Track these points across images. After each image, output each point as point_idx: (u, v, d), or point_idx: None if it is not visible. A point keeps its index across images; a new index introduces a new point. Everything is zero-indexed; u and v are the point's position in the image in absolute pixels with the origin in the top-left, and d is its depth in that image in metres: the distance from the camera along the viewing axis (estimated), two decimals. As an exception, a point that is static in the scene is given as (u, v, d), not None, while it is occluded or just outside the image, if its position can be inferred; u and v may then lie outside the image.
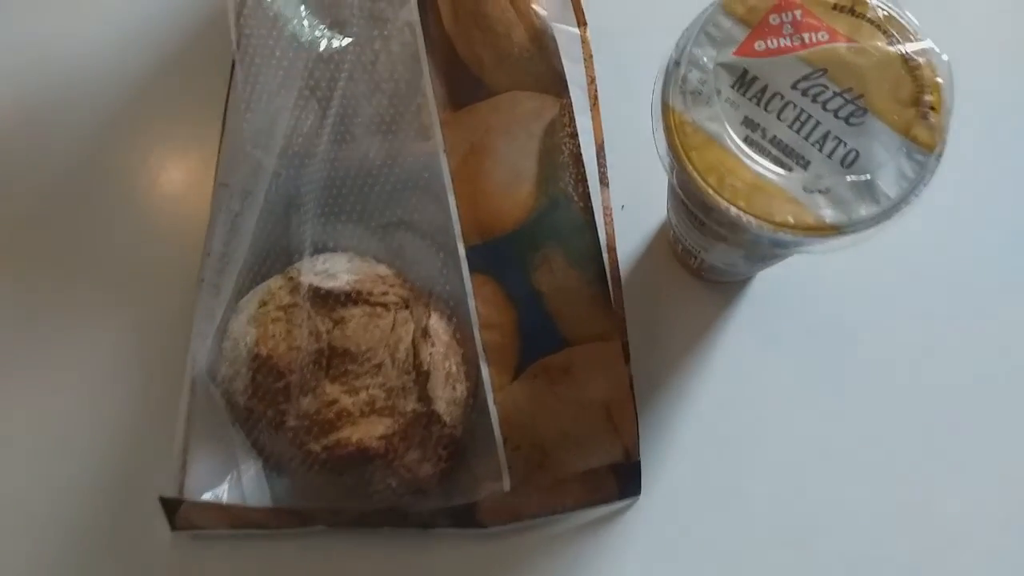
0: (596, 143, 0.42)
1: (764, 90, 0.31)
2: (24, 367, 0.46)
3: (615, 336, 0.40)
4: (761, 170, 0.30)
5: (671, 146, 0.30)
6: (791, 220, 0.29)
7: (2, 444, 0.45)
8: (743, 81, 0.31)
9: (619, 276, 0.41)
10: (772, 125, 0.30)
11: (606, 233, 0.41)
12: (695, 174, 0.30)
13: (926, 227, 0.45)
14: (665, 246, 0.46)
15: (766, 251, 0.34)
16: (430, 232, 0.44)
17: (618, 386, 0.40)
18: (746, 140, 0.30)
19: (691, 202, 0.32)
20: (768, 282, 0.45)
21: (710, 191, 0.30)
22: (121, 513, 0.44)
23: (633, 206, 0.46)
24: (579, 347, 0.40)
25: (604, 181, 0.42)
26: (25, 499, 0.44)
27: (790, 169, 0.30)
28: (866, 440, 0.43)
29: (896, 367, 0.44)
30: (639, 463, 0.40)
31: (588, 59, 0.44)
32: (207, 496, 0.41)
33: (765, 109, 0.30)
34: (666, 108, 0.31)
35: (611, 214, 0.41)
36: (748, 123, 0.30)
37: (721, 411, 0.44)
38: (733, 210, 0.29)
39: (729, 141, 0.30)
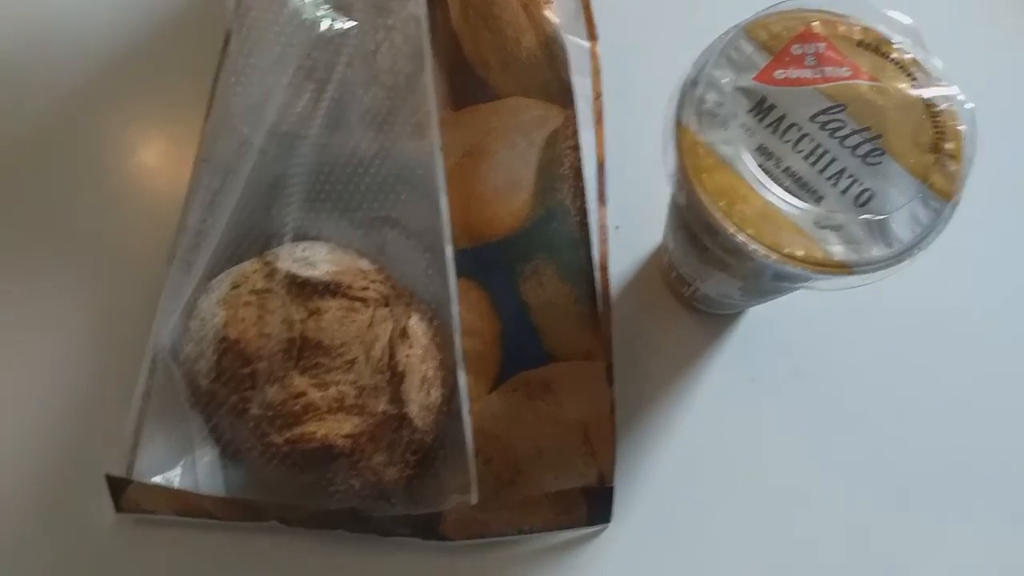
0: (598, 160, 0.41)
1: (782, 119, 0.30)
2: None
3: (600, 356, 0.38)
4: (773, 199, 0.29)
5: (681, 166, 0.29)
6: (800, 253, 0.28)
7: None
8: (761, 108, 0.30)
9: (609, 296, 0.40)
10: (787, 155, 0.29)
11: (600, 251, 0.40)
12: (705, 196, 0.29)
13: (929, 276, 0.44)
14: (656, 272, 0.45)
15: (765, 285, 0.33)
16: (416, 232, 0.43)
17: (599, 408, 0.38)
18: (759, 168, 0.29)
19: (696, 226, 0.31)
20: (758, 318, 0.44)
21: (719, 215, 0.29)
22: (63, 489, 0.42)
23: (627, 228, 0.45)
24: (563, 364, 0.39)
25: (602, 199, 0.41)
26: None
27: (803, 202, 0.29)
28: (843, 490, 0.42)
29: (882, 420, 0.43)
30: (612, 489, 0.39)
31: (596, 74, 0.43)
32: (157, 479, 0.39)
33: (781, 139, 0.30)
34: (680, 127, 0.30)
35: (606, 233, 0.40)
36: (763, 151, 0.29)
37: (699, 446, 0.43)
38: (741, 237, 0.28)
39: (742, 167, 0.29)
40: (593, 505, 0.40)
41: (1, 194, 0.47)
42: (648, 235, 0.45)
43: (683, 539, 0.41)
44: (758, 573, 0.41)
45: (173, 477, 0.39)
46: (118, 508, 0.40)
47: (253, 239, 0.41)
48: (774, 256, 0.28)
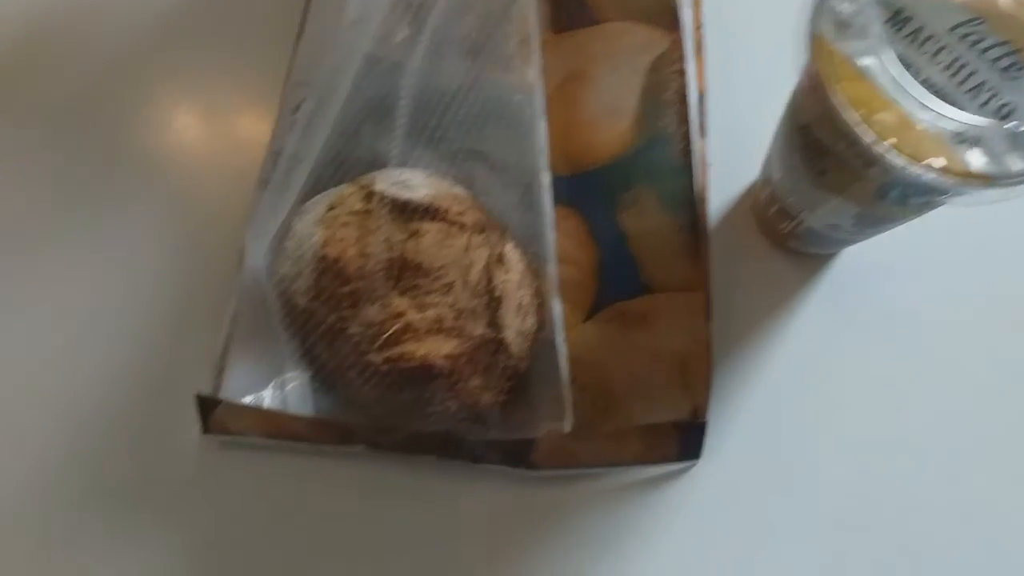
0: (698, 91, 0.40)
1: (919, 31, 0.29)
2: (67, 248, 0.44)
3: (699, 288, 0.38)
4: (911, 111, 0.28)
5: (816, 76, 0.29)
6: (940, 163, 0.27)
7: (41, 324, 0.42)
8: (897, 19, 0.29)
9: (707, 229, 0.39)
10: (926, 67, 0.29)
11: (699, 183, 0.39)
12: (843, 106, 0.28)
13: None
14: (748, 213, 0.44)
15: (885, 208, 0.33)
16: (504, 166, 0.42)
17: (696, 340, 0.38)
18: (897, 80, 0.28)
19: (827, 141, 0.30)
20: (852, 261, 0.44)
21: (858, 125, 0.28)
22: (150, 411, 0.42)
23: (719, 165, 0.44)
24: (660, 295, 0.38)
25: (703, 131, 0.40)
26: (53, 384, 0.42)
27: (941, 114, 0.28)
28: (935, 432, 0.41)
29: (976, 368, 0.42)
30: (705, 424, 0.39)
31: (697, 4, 0.42)
32: (248, 399, 0.39)
33: (919, 50, 0.29)
34: (815, 37, 0.29)
35: (706, 164, 0.39)
36: (901, 62, 0.29)
37: (789, 388, 0.42)
38: (882, 146, 0.27)
39: (880, 77, 0.28)
40: (684, 440, 0.39)
41: (86, 122, 0.46)
42: (740, 174, 0.44)
43: (771, 481, 0.41)
44: (843, 521, 0.40)
45: (263, 398, 0.39)
46: (205, 429, 0.39)
47: (348, 164, 0.40)
48: (916, 168, 0.27)
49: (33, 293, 0.43)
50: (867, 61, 0.28)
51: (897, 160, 0.27)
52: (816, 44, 0.29)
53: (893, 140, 0.28)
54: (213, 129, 0.46)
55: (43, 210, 0.45)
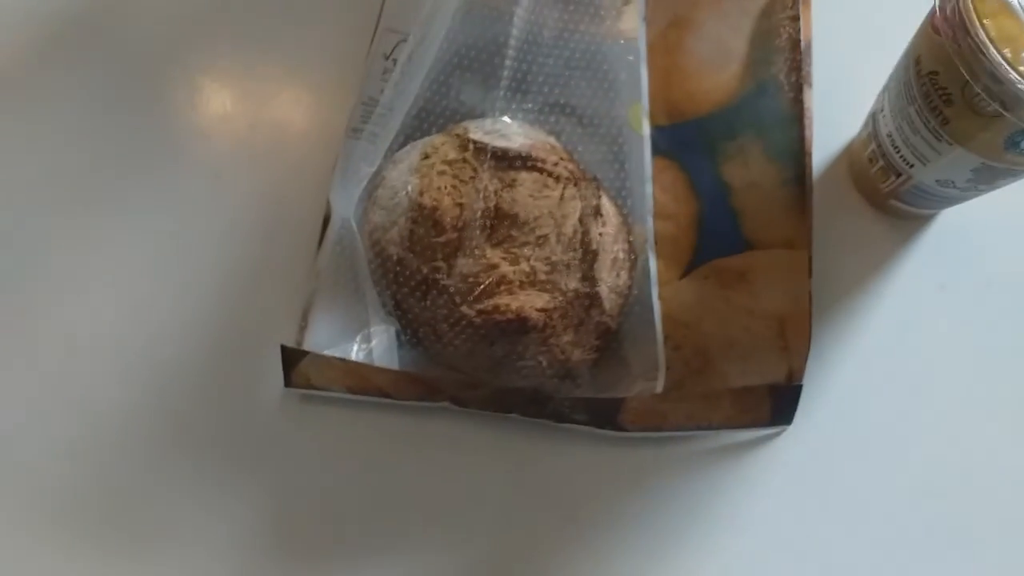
0: (804, 40, 0.38)
1: (1072, -33, 0.27)
2: (144, 200, 0.44)
3: (803, 246, 0.36)
4: (1061, 51, 0.26)
5: (963, 9, 0.27)
6: (1093, 107, 0.26)
7: (124, 278, 0.42)
8: (1046, -47, 0.27)
9: (812, 185, 0.38)
10: (1078, 5, 0.27)
11: (807, 136, 0.37)
12: (988, 42, 0.26)
13: None
14: (844, 169, 0.42)
15: (1012, 160, 0.31)
16: (593, 119, 0.41)
17: (797, 300, 0.37)
18: (1046, 17, 0.27)
19: (958, 83, 0.28)
20: (950, 225, 0.42)
21: (1003, 63, 0.26)
22: (234, 363, 0.41)
23: (818, 121, 0.42)
24: (760, 252, 0.37)
25: (808, 81, 0.38)
26: (136, 337, 0.41)
27: (1092, 55, 0.26)
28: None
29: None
30: (800, 388, 0.37)
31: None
32: (332, 352, 0.38)
33: (1073, -13, 0.27)
34: (960, -32, 0.27)
35: (811, 117, 0.38)
36: (1052, -2, 0.27)
37: (884, 354, 0.41)
38: (1028, 85, 0.26)
39: (1028, 13, 0.27)
40: (778, 404, 0.38)
41: (161, 75, 0.46)
42: (838, 130, 0.43)
43: (865, 447, 0.40)
44: (932, 492, 0.39)
45: (349, 350, 0.39)
46: (288, 382, 0.39)
47: (439, 114, 0.39)
48: (1064, 108, 0.26)
49: (115, 247, 0.43)
50: (1015, -4, 0.27)
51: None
52: (961, -25, 0.27)
53: (1042, 79, 0.26)
54: (293, 81, 0.46)
55: (131, 164, 0.44)
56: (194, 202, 0.44)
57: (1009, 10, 0.27)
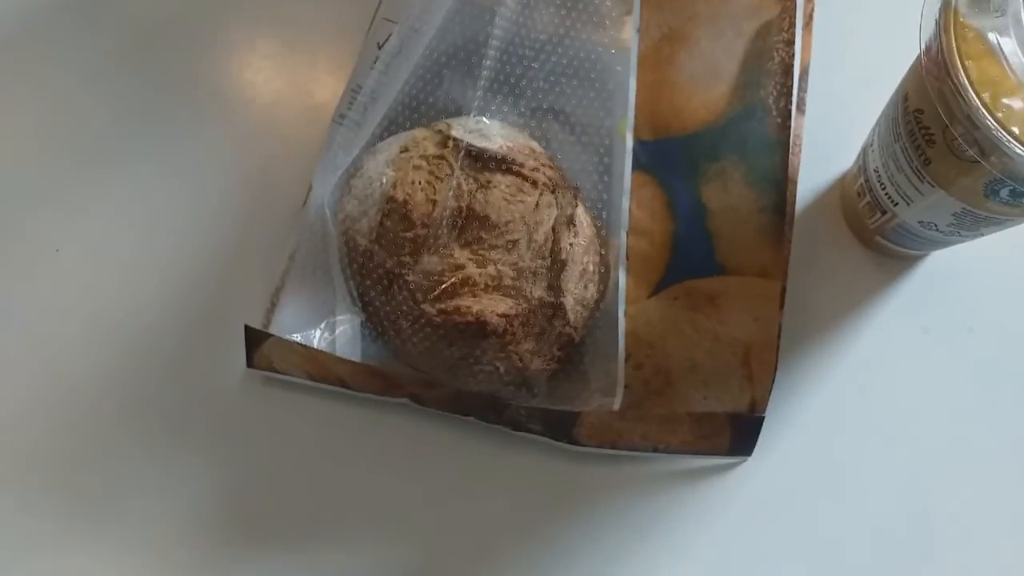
0: (801, 65, 0.37)
1: (1065, 13, 0.26)
2: (137, 166, 0.44)
3: (777, 275, 0.35)
4: (1043, 100, 0.25)
5: (944, 50, 0.26)
6: (1069, 161, 0.25)
7: (104, 241, 0.42)
8: (1040, -2, 0.26)
9: (794, 214, 0.37)
10: (1066, 53, 0.26)
11: (791, 163, 0.36)
12: (968, 85, 0.26)
13: None
14: (835, 202, 0.41)
15: (991, 209, 0.30)
16: (584, 127, 0.41)
17: (766, 331, 0.36)
18: (1031, 63, 0.26)
19: (940, 124, 0.27)
20: (939, 268, 0.41)
21: (981, 108, 0.25)
22: (198, 341, 0.41)
23: (810, 150, 0.41)
24: (733, 278, 0.36)
25: (801, 108, 0.37)
26: (113, 303, 0.42)
27: (1077, 107, 0.25)
28: (1005, 458, 0.38)
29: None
30: (761, 420, 0.37)
31: (811, -25, 0.39)
32: (296, 338, 0.38)
33: (1062, 34, 0.26)
34: (947, 7, 0.27)
35: (799, 144, 0.37)
36: (1039, 45, 0.26)
37: (856, 392, 0.40)
38: (1003, 135, 0.25)
39: (1013, 59, 0.26)
40: (738, 434, 0.37)
41: (169, 46, 0.46)
42: (832, 161, 0.42)
43: (825, 487, 0.39)
44: (903, 530, 0.38)
45: (312, 337, 0.38)
46: (250, 363, 0.39)
47: (425, 108, 0.39)
48: (1039, 160, 0.25)
49: (100, 209, 0.43)
50: (1001, 39, 0.26)
51: (1019, 150, 0.25)
52: (947, 15, 0.26)
53: (1017, 128, 0.25)
54: (292, 59, 0.45)
55: (120, 130, 0.44)
56: (180, 176, 0.44)
57: (993, 54, 0.26)
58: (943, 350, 0.40)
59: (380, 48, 0.39)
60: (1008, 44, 0.26)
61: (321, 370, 0.38)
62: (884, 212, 0.36)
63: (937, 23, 0.27)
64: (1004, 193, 0.28)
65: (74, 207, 0.43)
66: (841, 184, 0.41)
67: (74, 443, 0.40)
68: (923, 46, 0.27)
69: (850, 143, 0.40)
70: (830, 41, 0.39)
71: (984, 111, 0.25)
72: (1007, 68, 0.26)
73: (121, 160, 0.44)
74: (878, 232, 0.38)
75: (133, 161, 0.44)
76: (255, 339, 0.38)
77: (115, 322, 0.41)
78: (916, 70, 0.30)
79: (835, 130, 0.40)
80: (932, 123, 0.29)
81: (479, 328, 0.34)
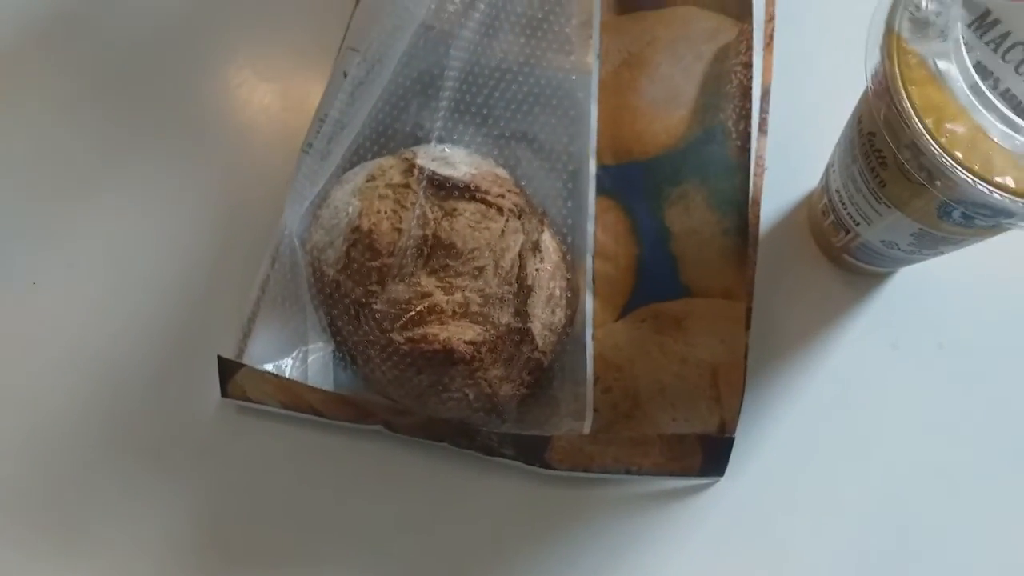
0: (763, 87, 0.38)
1: (1005, 37, 0.27)
2: (111, 196, 0.44)
3: (741, 297, 0.36)
4: (986, 123, 0.26)
5: (887, 76, 0.26)
6: (1012, 184, 0.25)
7: (77, 272, 0.43)
8: (983, 22, 0.27)
9: (757, 235, 0.37)
10: (1008, 77, 0.26)
11: (754, 185, 0.37)
12: (911, 111, 0.26)
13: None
14: (803, 221, 0.42)
15: (947, 227, 0.30)
16: (550, 152, 0.41)
17: (732, 352, 0.36)
18: (974, 88, 0.26)
19: (892, 146, 0.28)
20: (907, 284, 0.41)
21: (924, 134, 0.26)
22: (172, 370, 0.41)
23: (776, 170, 0.42)
24: (699, 300, 0.36)
25: (763, 129, 0.38)
26: (86, 331, 0.42)
27: (1019, 130, 0.26)
28: (976, 474, 0.39)
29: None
30: (732, 441, 0.37)
31: (772, -6, 0.40)
32: (268, 367, 0.38)
33: (1003, 58, 0.26)
34: (890, 32, 0.27)
35: (763, 165, 0.37)
36: (980, 69, 0.26)
37: (827, 409, 0.40)
38: (948, 159, 0.25)
39: (955, 84, 0.26)
40: (709, 455, 0.37)
41: (142, 76, 0.46)
42: (798, 181, 0.42)
43: (798, 506, 0.39)
44: (876, 549, 0.38)
45: (284, 367, 0.39)
46: (224, 393, 0.39)
47: (392, 136, 0.39)
48: (983, 186, 0.25)
49: (74, 240, 0.43)
50: (942, 64, 0.26)
51: (962, 175, 0.25)
52: (890, 41, 0.27)
53: (961, 153, 0.25)
54: (265, 88, 0.46)
55: (93, 162, 0.45)
56: (154, 206, 0.44)
57: (936, 79, 0.26)
58: (913, 366, 0.40)
59: (346, 77, 0.40)
60: (951, 69, 0.26)
61: (294, 399, 0.39)
62: (848, 231, 0.36)
63: (881, 49, 0.27)
64: (956, 215, 0.28)
65: (50, 240, 0.43)
66: (808, 202, 0.41)
67: (48, 473, 0.40)
68: (869, 72, 0.27)
69: (817, 161, 0.40)
70: (793, 60, 0.39)
71: (928, 137, 0.26)
72: (950, 93, 0.26)
73: (95, 191, 0.44)
74: (844, 250, 0.38)
75: (107, 192, 0.44)
76: (228, 369, 0.39)
77: (91, 353, 0.41)
78: (866, 94, 0.30)
79: (802, 147, 0.40)
80: (883, 147, 0.29)
81: (447, 355, 0.35)
